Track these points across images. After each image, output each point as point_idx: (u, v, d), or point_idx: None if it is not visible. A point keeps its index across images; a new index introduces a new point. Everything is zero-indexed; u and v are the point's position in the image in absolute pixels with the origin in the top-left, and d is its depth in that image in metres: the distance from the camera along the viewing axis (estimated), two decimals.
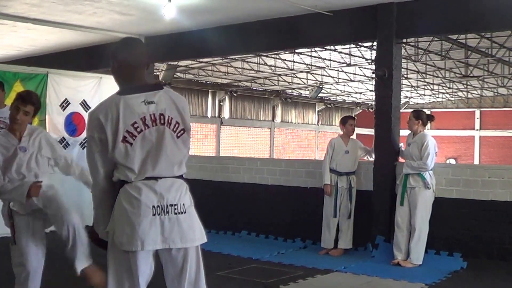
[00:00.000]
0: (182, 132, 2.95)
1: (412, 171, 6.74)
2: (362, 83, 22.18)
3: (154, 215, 2.81)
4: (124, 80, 2.98)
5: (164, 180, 2.86)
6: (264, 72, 19.59)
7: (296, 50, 15.58)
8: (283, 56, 17.21)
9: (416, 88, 23.84)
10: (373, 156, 7.50)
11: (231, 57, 15.95)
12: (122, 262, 2.84)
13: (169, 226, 2.83)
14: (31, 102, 4.06)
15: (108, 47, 10.42)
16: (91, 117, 2.91)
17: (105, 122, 2.83)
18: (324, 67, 18.80)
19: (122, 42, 3.08)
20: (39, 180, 4.04)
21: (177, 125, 2.93)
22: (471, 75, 19.07)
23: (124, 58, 2.97)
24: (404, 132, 7.01)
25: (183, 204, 2.89)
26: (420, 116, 6.98)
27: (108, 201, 2.93)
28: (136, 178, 2.84)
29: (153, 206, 2.81)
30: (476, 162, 27.80)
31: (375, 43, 8.55)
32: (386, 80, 7.35)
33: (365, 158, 7.77)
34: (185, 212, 2.88)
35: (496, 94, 25.90)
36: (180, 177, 2.94)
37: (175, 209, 2.85)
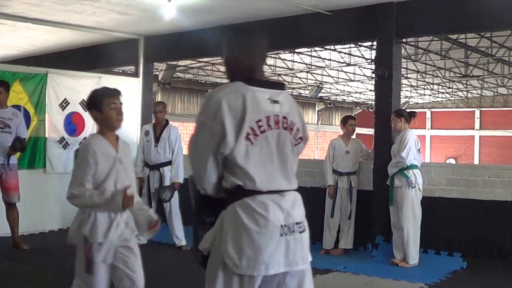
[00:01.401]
0: (299, 140, 2.61)
1: (394, 168, 6.74)
2: (362, 82, 22.17)
3: (281, 235, 2.44)
4: (244, 72, 2.56)
5: (287, 194, 2.51)
6: (263, 72, 19.59)
7: (296, 50, 15.58)
8: (282, 55, 17.22)
9: (416, 88, 23.84)
10: (372, 158, 7.48)
11: None
12: (234, 286, 2.43)
13: (294, 247, 2.48)
14: None
15: (108, 46, 10.46)
16: (210, 100, 2.46)
17: (227, 111, 2.41)
18: (324, 67, 18.80)
19: (247, 32, 2.78)
20: (126, 187, 3.47)
21: (297, 132, 2.59)
22: (471, 74, 19.07)
23: (251, 47, 2.63)
24: (415, 133, 7.00)
25: (305, 221, 2.57)
26: (402, 114, 6.97)
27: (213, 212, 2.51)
28: (259, 189, 2.44)
29: (281, 226, 2.45)
30: (476, 162, 27.79)
31: (375, 43, 8.55)
32: (386, 80, 7.34)
33: (364, 158, 7.76)
34: (305, 230, 2.57)
35: (496, 94, 25.90)
36: (296, 190, 2.60)
37: (300, 227, 2.52)
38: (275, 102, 2.52)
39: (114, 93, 3.51)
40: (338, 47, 15.38)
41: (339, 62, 17.81)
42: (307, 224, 2.59)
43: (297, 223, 2.51)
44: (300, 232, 2.52)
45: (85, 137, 8.84)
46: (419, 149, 6.85)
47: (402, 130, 6.86)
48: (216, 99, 2.43)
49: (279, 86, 2.64)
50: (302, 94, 25.86)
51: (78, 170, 3.43)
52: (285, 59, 17.94)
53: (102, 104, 3.43)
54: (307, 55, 17.13)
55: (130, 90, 9.85)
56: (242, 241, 2.39)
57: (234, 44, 2.65)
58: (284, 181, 2.52)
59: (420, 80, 21.72)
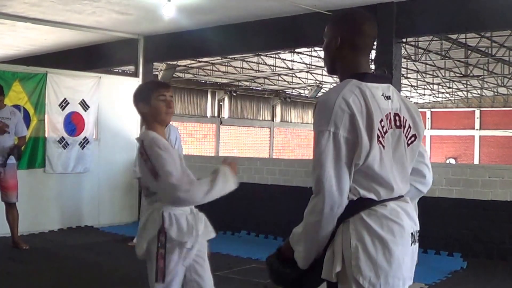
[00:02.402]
0: (413, 139, 2.27)
1: None
2: None
3: (411, 245, 2.18)
4: (347, 66, 2.26)
5: (407, 198, 2.27)
6: (263, 71, 19.59)
7: (296, 50, 15.57)
8: (282, 55, 17.21)
9: (416, 87, 23.83)
10: None
11: (230, 56, 15.95)
12: None
13: (415, 257, 2.23)
14: None
15: (108, 46, 10.46)
16: (332, 105, 2.08)
17: (357, 113, 2.07)
18: (324, 67, 18.76)
19: (352, 12, 2.37)
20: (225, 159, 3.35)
21: (409, 130, 2.26)
22: (471, 74, 19.07)
23: (357, 33, 2.28)
24: None
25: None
26: None
27: (332, 228, 2.13)
28: (391, 196, 2.16)
29: (411, 234, 2.19)
30: (476, 162, 27.79)
31: (374, 43, 8.55)
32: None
33: None
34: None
35: (496, 93, 25.90)
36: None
37: (419, 234, 2.28)
38: (388, 98, 2.21)
39: (164, 85, 3.31)
40: None
41: None
42: None
43: (418, 231, 2.27)
44: (418, 241, 2.27)
45: (85, 137, 8.85)
46: None
47: None
48: (340, 101, 2.08)
49: (387, 79, 2.34)
50: (302, 94, 25.86)
51: (161, 166, 3.04)
52: (285, 59, 17.93)
53: (151, 97, 3.21)
54: (307, 55, 17.13)
55: (129, 90, 9.81)
56: (377, 255, 2.06)
57: (336, 34, 2.32)
58: (404, 185, 2.25)
59: (420, 80, 21.71)
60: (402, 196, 2.22)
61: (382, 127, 2.13)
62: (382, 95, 2.19)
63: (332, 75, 2.40)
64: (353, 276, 2.06)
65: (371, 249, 2.06)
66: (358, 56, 2.27)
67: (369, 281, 2.05)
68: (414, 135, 2.28)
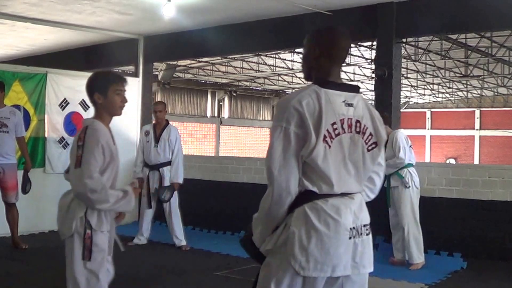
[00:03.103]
0: (373, 146, 2.57)
1: (392, 169, 6.73)
2: (362, 82, 22.15)
3: (350, 238, 2.45)
4: (321, 74, 2.55)
5: (355, 196, 2.54)
6: (263, 71, 19.60)
7: (296, 50, 15.57)
8: (282, 55, 17.22)
9: (416, 87, 23.84)
10: None
11: (230, 56, 15.96)
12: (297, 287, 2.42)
13: (361, 250, 2.51)
14: None
15: (108, 46, 10.46)
16: (287, 105, 2.41)
17: (307, 113, 2.38)
18: None
19: (330, 31, 2.64)
20: (132, 183, 3.46)
21: (370, 137, 2.55)
22: (471, 74, 19.07)
23: (330, 49, 2.56)
24: (404, 132, 6.99)
25: (369, 224, 2.60)
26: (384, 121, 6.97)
27: (283, 214, 2.45)
28: (331, 192, 2.44)
29: (351, 228, 2.46)
30: (476, 162, 27.80)
31: (374, 43, 8.55)
32: (386, 79, 7.34)
33: None
34: (370, 233, 2.60)
35: (496, 93, 25.91)
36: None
37: (367, 229, 2.56)
38: (350, 105, 2.50)
39: (122, 79, 3.40)
40: None
41: None
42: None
43: (364, 225, 2.54)
44: (367, 235, 2.55)
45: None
46: (410, 146, 6.84)
47: (389, 133, 6.86)
48: (297, 103, 2.40)
49: (354, 89, 2.59)
50: None
51: (88, 161, 3.17)
52: (285, 59, 17.94)
53: (108, 89, 3.30)
54: None
55: (129, 90, 9.78)
56: (310, 244, 2.38)
57: (315, 47, 2.57)
58: (354, 184, 2.53)
59: (420, 80, 21.72)
60: (349, 194, 2.49)
61: (334, 129, 2.43)
62: (343, 102, 2.48)
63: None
64: (286, 258, 2.39)
65: (305, 237, 2.38)
66: (332, 66, 2.57)
67: (299, 264, 2.38)
68: (375, 143, 2.57)
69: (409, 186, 6.59)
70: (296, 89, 21.40)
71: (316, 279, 2.41)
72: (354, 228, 2.47)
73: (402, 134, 6.81)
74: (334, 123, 2.43)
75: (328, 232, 2.39)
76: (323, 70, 2.55)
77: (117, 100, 3.33)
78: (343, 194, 2.47)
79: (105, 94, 3.29)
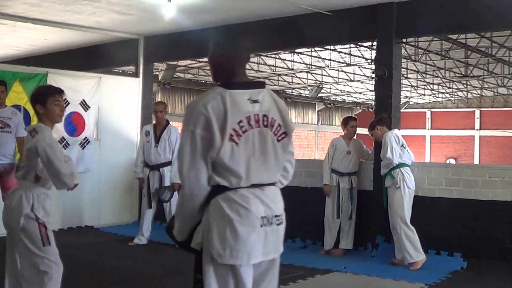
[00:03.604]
0: (283, 136, 2.76)
1: (385, 169, 6.76)
2: (362, 83, 22.17)
3: (261, 226, 2.61)
4: (225, 74, 2.74)
5: (268, 188, 2.69)
6: (264, 72, 19.59)
7: (296, 50, 15.57)
8: (282, 55, 17.21)
9: (416, 88, 23.83)
10: (373, 158, 7.47)
11: None
12: (226, 277, 2.58)
13: (271, 238, 2.66)
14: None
15: (108, 46, 10.46)
16: (194, 109, 2.59)
17: (212, 116, 2.54)
18: (324, 67, 18.80)
19: (228, 34, 2.98)
20: None
21: (278, 128, 2.73)
22: (471, 75, 19.07)
23: (234, 50, 2.76)
24: (404, 132, 7.00)
25: (283, 214, 2.75)
26: (373, 124, 6.99)
27: (200, 208, 2.63)
28: (241, 184, 2.60)
29: (262, 217, 2.61)
30: (476, 162, 27.78)
31: (374, 43, 8.55)
32: (386, 80, 7.34)
33: (365, 159, 7.75)
34: (283, 222, 2.75)
35: (496, 94, 25.90)
36: (275, 184, 2.78)
37: (278, 220, 2.70)
38: (255, 101, 2.65)
39: (59, 91, 3.98)
40: (338, 47, 15.38)
41: (339, 62, 17.81)
42: (284, 217, 2.75)
43: (275, 216, 2.68)
44: (277, 225, 2.69)
45: (85, 137, 8.86)
46: (402, 145, 6.82)
47: (383, 134, 6.87)
48: (202, 106, 2.56)
49: (259, 85, 2.74)
50: (302, 94, 25.86)
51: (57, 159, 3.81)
52: (285, 59, 17.94)
53: (47, 101, 3.89)
54: (307, 55, 17.12)
55: (130, 90, 9.85)
56: (225, 232, 2.54)
57: (216, 48, 2.78)
58: (266, 176, 2.68)
59: (420, 80, 21.71)
60: (260, 185, 2.65)
61: (241, 127, 2.58)
62: (248, 99, 2.63)
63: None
64: (207, 247, 2.57)
65: (220, 226, 2.55)
66: (235, 67, 2.73)
67: (217, 252, 2.54)
68: (284, 133, 2.75)
69: (399, 187, 6.60)
70: (296, 89, 21.34)
71: (239, 267, 2.56)
72: (265, 217, 2.62)
73: (393, 134, 6.81)
74: (241, 121, 2.58)
75: (240, 220, 2.55)
76: (227, 71, 2.72)
77: (55, 109, 3.92)
78: (253, 186, 2.62)
79: (44, 105, 3.91)
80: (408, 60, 16.41)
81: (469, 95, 26.97)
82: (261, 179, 2.66)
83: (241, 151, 2.59)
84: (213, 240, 2.55)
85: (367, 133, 7.20)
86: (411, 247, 6.52)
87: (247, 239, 2.55)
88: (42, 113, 3.91)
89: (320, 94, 23.87)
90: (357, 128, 7.73)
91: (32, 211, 3.85)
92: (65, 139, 8.61)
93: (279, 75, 21.04)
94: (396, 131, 6.94)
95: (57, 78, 8.63)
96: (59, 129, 8.57)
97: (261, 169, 2.66)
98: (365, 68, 18.90)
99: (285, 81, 22.48)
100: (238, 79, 2.72)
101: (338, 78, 21.42)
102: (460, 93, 26.41)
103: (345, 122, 7.66)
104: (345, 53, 16.50)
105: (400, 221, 6.55)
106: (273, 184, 2.74)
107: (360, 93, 25.78)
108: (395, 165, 6.66)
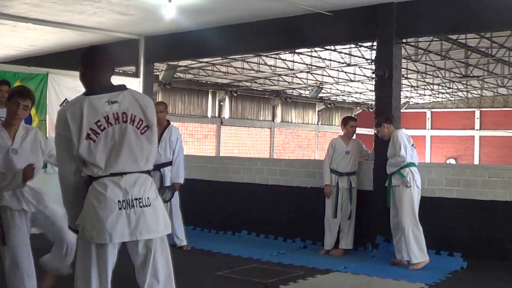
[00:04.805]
0: (145, 128, 3.13)
1: (394, 168, 6.73)
2: (362, 83, 22.19)
3: (120, 209, 2.98)
4: (90, 83, 3.17)
5: (128, 175, 3.04)
6: (264, 72, 19.61)
7: (296, 50, 15.58)
8: (283, 56, 17.22)
9: (416, 88, 23.85)
10: (373, 158, 7.48)
11: (231, 57, 15.97)
12: (91, 254, 3.01)
13: (135, 219, 3.00)
14: (30, 97, 4.27)
15: (108, 47, 10.46)
16: (59, 115, 3.09)
17: (70, 120, 3.02)
18: (324, 67, 18.81)
19: (87, 50, 3.30)
20: (31, 163, 4.22)
21: (140, 122, 3.12)
22: (471, 75, 19.08)
23: (89, 63, 3.19)
24: (406, 131, 7.00)
25: (148, 198, 3.06)
26: (380, 122, 6.97)
27: (77, 196, 3.08)
28: (102, 174, 3.01)
29: (119, 201, 2.98)
30: (476, 162, 27.79)
31: (375, 43, 8.56)
32: (386, 80, 7.35)
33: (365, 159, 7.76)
34: (149, 205, 3.05)
35: (496, 94, 25.92)
36: (147, 172, 3.13)
37: (140, 202, 3.02)
38: (114, 102, 3.08)
39: (21, 95, 4.21)
40: (338, 47, 15.39)
41: (339, 62, 17.82)
42: (153, 200, 3.08)
43: (136, 199, 3.02)
44: (141, 207, 3.03)
45: None
46: (413, 145, 6.84)
47: (391, 132, 6.86)
48: (63, 113, 3.06)
49: (119, 88, 3.17)
50: (302, 95, 25.88)
51: None
52: (285, 59, 17.95)
53: (9, 101, 4.22)
54: (307, 55, 17.13)
55: None
56: (91, 216, 2.99)
57: (79, 62, 3.20)
58: (130, 165, 3.06)
59: (420, 80, 21.72)
60: (122, 173, 3.03)
61: (99, 126, 3.02)
62: (107, 101, 3.07)
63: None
64: (82, 230, 3.04)
65: (89, 212, 3.00)
66: (96, 76, 3.17)
67: (88, 232, 2.99)
68: (147, 126, 3.14)
69: (410, 186, 6.59)
70: (296, 89, 21.37)
71: (104, 246, 2.99)
72: (124, 201, 2.99)
73: (403, 132, 6.82)
74: (98, 121, 3.03)
75: (99, 205, 2.97)
76: (89, 81, 3.17)
77: (13, 109, 4.19)
78: (113, 174, 3.01)
79: (7, 104, 4.25)
80: (408, 60, 16.41)
81: (469, 95, 26.99)
82: (123, 168, 3.04)
83: (100, 146, 3.01)
84: (85, 222, 3.01)
85: (367, 133, 7.21)
86: (417, 248, 6.52)
87: (106, 222, 2.95)
88: (7, 110, 4.26)
89: (320, 94, 23.87)
90: (357, 128, 7.74)
91: None
92: None
93: (279, 75, 21.05)
94: (404, 130, 6.94)
95: (58, 79, 8.64)
96: None
97: (125, 160, 3.04)
98: (365, 68, 18.91)
99: (285, 81, 22.49)
100: (102, 85, 3.15)
101: (338, 78, 21.44)
102: (460, 93, 26.43)
103: (345, 122, 7.66)
104: (345, 54, 16.52)
105: (409, 221, 6.55)
106: (142, 172, 3.09)
107: (360, 93, 25.80)
108: (406, 163, 6.65)
